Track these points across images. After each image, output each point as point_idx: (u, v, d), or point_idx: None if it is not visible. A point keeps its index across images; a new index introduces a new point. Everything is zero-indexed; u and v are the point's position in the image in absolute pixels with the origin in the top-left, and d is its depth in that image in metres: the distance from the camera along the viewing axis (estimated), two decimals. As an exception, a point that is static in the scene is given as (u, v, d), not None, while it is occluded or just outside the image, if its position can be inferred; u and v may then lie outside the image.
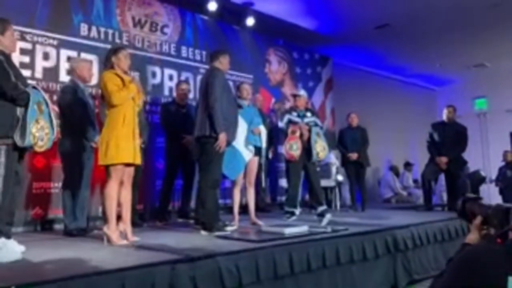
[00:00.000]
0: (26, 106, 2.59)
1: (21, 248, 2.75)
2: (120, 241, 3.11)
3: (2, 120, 2.59)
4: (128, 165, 3.22)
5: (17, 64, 3.31)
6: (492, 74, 9.98)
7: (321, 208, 4.73)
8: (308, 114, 5.01)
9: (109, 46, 5.03)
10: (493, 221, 1.28)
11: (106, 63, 3.31)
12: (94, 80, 4.85)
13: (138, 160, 3.27)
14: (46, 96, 2.80)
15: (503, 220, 1.24)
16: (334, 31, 7.38)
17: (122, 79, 3.19)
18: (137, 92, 3.29)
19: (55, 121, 2.79)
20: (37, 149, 2.68)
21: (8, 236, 2.74)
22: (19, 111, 2.61)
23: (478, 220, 1.36)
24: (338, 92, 8.45)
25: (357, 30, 7.24)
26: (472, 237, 1.37)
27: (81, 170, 3.80)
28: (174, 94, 5.24)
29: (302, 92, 5.12)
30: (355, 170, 6.00)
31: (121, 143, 3.10)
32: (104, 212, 3.83)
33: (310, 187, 4.90)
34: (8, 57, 2.72)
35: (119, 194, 3.24)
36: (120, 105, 3.13)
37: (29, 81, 3.30)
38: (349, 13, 6.67)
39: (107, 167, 3.17)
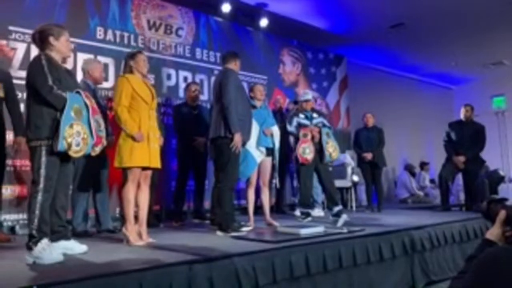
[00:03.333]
0: (62, 110, 2.62)
1: (83, 248, 2.82)
2: (137, 241, 3.16)
3: (41, 123, 2.63)
4: (145, 168, 3.26)
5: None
6: (510, 72, 9.80)
7: (336, 208, 4.72)
8: (315, 115, 5.01)
9: (125, 49, 5.12)
10: None
11: (125, 68, 3.36)
12: (110, 83, 4.93)
13: (155, 163, 3.29)
14: (90, 102, 2.80)
15: None
16: (349, 31, 7.34)
17: (133, 87, 3.20)
18: (151, 96, 3.32)
19: (97, 126, 2.76)
20: (72, 154, 2.67)
21: (66, 237, 2.82)
22: (59, 115, 2.63)
23: (502, 215, 1.34)
24: (352, 91, 8.40)
25: (371, 29, 7.19)
26: (495, 232, 1.35)
27: (95, 172, 3.85)
28: (185, 95, 5.28)
29: (310, 96, 5.12)
30: (370, 170, 5.96)
31: (136, 146, 3.14)
32: (121, 214, 3.92)
33: (323, 188, 4.90)
34: (54, 62, 2.74)
35: (137, 196, 3.28)
36: (134, 111, 3.18)
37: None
38: (363, 12, 6.63)
39: (123, 170, 3.22)
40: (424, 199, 8.41)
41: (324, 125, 4.97)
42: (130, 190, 3.20)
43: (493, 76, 10.18)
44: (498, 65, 9.49)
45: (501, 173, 7.22)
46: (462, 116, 5.87)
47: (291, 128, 4.90)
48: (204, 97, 5.82)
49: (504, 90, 10.29)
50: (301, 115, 4.95)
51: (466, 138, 5.66)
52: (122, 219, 3.92)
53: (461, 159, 5.57)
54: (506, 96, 10.34)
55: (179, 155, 4.98)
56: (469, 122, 5.82)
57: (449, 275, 3.94)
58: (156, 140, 3.32)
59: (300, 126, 4.85)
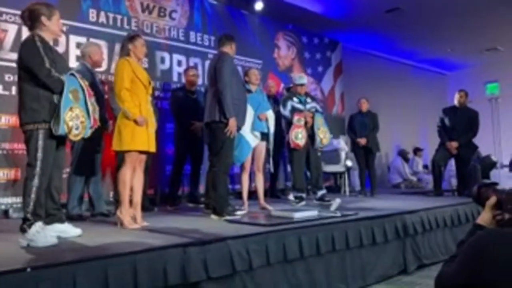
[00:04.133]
0: (60, 93, 2.60)
1: (77, 231, 2.82)
2: (132, 225, 3.17)
3: (38, 106, 2.60)
4: (142, 152, 3.26)
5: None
6: (504, 58, 9.82)
7: (320, 192, 4.82)
8: (309, 99, 5.01)
9: (118, 32, 5.06)
10: (507, 206, 1.28)
11: (122, 50, 3.34)
12: (103, 67, 4.88)
13: (153, 148, 3.31)
14: (84, 83, 2.78)
15: None
16: (344, 15, 7.28)
17: (134, 71, 3.19)
18: (149, 81, 3.30)
19: (93, 108, 2.76)
20: (72, 137, 2.66)
21: (61, 220, 2.83)
22: (56, 98, 2.61)
23: (492, 200, 1.35)
24: (347, 77, 8.38)
25: (367, 14, 7.14)
26: (485, 217, 1.36)
27: (92, 156, 3.84)
28: (183, 80, 5.25)
29: (305, 80, 5.11)
30: (364, 155, 5.98)
31: (137, 130, 3.13)
32: (115, 198, 3.92)
33: (311, 172, 4.94)
34: (47, 43, 2.70)
35: (132, 180, 3.29)
36: (134, 94, 3.17)
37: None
38: (359, -4, 6.58)
39: (121, 153, 3.22)
40: (416, 184, 8.48)
41: (317, 110, 4.99)
42: (127, 173, 3.20)
43: (487, 63, 10.20)
44: (492, 51, 9.49)
45: (493, 158, 7.28)
46: (456, 102, 5.89)
47: (285, 111, 4.89)
48: (199, 81, 5.78)
49: (498, 77, 10.34)
50: (295, 99, 4.94)
51: (460, 124, 5.69)
52: (116, 203, 3.93)
53: (454, 144, 5.61)
54: (500, 82, 10.40)
55: (176, 139, 4.99)
56: (462, 108, 5.83)
57: (440, 258, 4.00)
58: (152, 124, 3.33)
59: (294, 110, 4.85)
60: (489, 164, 6.35)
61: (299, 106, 4.89)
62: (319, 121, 4.91)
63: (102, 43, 4.93)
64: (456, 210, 4.37)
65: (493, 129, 10.11)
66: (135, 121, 3.12)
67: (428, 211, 4.07)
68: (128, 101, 3.12)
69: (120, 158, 3.35)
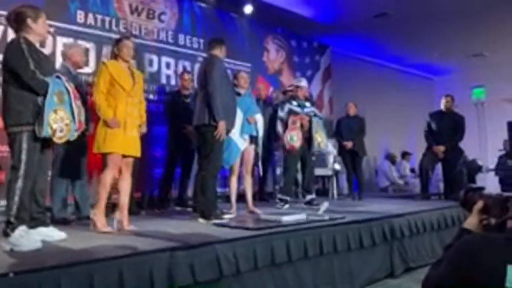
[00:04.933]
0: (45, 95, 2.57)
1: (62, 235, 2.78)
2: (105, 227, 3.11)
3: (23, 108, 2.57)
4: (125, 155, 3.23)
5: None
6: (490, 63, 9.96)
7: (309, 197, 4.84)
8: (307, 104, 5.03)
9: (106, 34, 5.02)
10: (494, 210, 1.29)
11: (111, 53, 3.38)
12: (91, 68, 4.83)
13: (134, 152, 3.26)
14: (70, 85, 2.75)
15: (502, 209, 1.25)
16: (333, 19, 7.33)
17: (112, 74, 3.17)
18: (132, 83, 3.27)
19: (78, 111, 2.74)
20: (56, 140, 2.64)
21: (45, 224, 2.79)
22: (40, 100, 2.59)
23: (479, 205, 1.36)
24: (336, 81, 8.43)
25: (355, 18, 7.19)
26: (471, 221, 1.37)
27: (75, 158, 3.79)
28: (173, 83, 5.25)
29: (304, 83, 5.12)
30: (351, 159, 6.01)
31: (109, 133, 3.11)
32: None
33: (303, 176, 4.95)
34: (32, 45, 2.68)
35: (119, 183, 3.28)
36: (111, 97, 3.16)
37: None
38: (348, 1, 6.62)
39: (103, 156, 3.19)
40: (404, 188, 8.54)
41: (315, 115, 5.01)
42: (107, 175, 3.15)
43: (474, 68, 10.33)
44: (478, 56, 9.62)
45: (479, 162, 7.36)
46: (442, 106, 5.96)
47: (282, 113, 4.90)
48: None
49: (484, 82, 10.48)
50: (294, 102, 4.95)
51: (446, 128, 5.76)
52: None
53: (441, 148, 5.67)
54: (486, 87, 10.55)
55: (169, 142, 4.97)
56: (449, 112, 5.90)
57: (427, 262, 4.03)
58: (134, 127, 3.26)
59: (291, 112, 4.85)
60: (475, 168, 6.41)
61: (297, 109, 4.90)
62: (317, 125, 4.92)
63: (90, 45, 4.89)
64: (442, 214, 4.41)
65: (479, 134, 10.24)
66: (107, 123, 3.09)
67: (415, 215, 4.10)
68: (101, 103, 3.12)
69: (104, 160, 3.31)
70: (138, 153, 3.32)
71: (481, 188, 1.43)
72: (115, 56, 3.31)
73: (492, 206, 1.30)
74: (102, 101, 3.14)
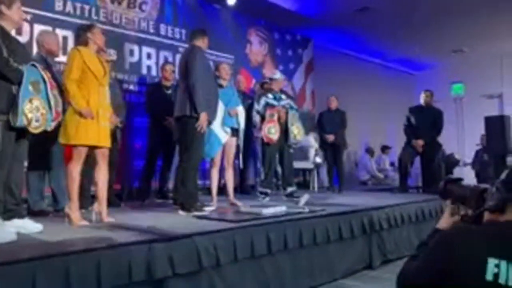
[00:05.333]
0: (20, 84, 2.49)
1: (38, 227, 2.72)
2: (80, 221, 3.05)
3: None
4: (95, 147, 3.14)
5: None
6: (469, 59, 10.14)
7: (290, 189, 4.87)
8: (283, 96, 5.04)
9: (85, 22, 4.89)
10: (471, 202, 1.30)
11: (79, 40, 3.17)
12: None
13: (104, 142, 3.16)
14: (46, 75, 2.68)
15: (479, 201, 1.26)
16: (316, 13, 7.33)
17: (84, 61, 3.05)
18: (103, 72, 3.18)
19: (55, 101, 2.67)
20: (32, 130, 2.56)
21: (20, 216, 2.73)
22: (15, 89, 2.51)
23: (449, 208, 1.38)
24: (318, 74, 8.45)
25: (338, 12, 7.21)
26: (445, 222, 1.38)
27: (49, 149, 3.70)
28: (159, 75, 5.18)
29: (278, 76, 5.12)
30: (332, 152, 6.06)
31: (82, 123, 2.99)
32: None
33: (283, 168, 4.97)
34: (6, 33, 2.59)
35: (96, 175, 3.22)
36: (84, 86, 3.04)
37: None
38: (331, -6, 6.64)
39: (69, 147, 3.10)
40: (383, 181, 8.66)
41: (291, 107, 5.01)
42: (74, 169, 3.05)
43: (453, 64, 10.50)
44: (458, 52, 9.78)
45: (457, 156, 7.53)
46: (422, 101, 6.04)
47: (258, 107, 4.89)
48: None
49: (463, 78, 10.66)
50: (270, 95, 4.95)
51: (425, 123, 5.84)
52: (81, 197, 3.83)
53: (420, 142, 5.75)
54: (465, 83, 10.73)
55: (150, 134, 4.92)
56: (428, 107, 5.99)
57: (405, 254, 4.10)
58: (106, 118, 3.18)
59: (267, 105, 4.85)
60: (452, 162, 6.56)
61: (273, 102, 4.90)
62: (293, 117, 4.93)
63: (69, 34, 4.78)
64: (420, 207, 4.48)
65: (457, 128, 10.43)
66: (80, 114, 2.98)
67: (393, 208, 4.16)
68: (75, 93, 2.97)
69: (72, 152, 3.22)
70: (109, 144, 3.24)
71: (460, 179, 1.45)
72: (86, 42, 3.15)
73: (469, 197, 1.32)
74: (75, 90, 2.99)
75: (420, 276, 1.18)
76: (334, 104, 6.18)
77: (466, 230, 1.18)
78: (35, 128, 2.57)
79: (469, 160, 9.10)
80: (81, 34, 3.17)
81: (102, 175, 3.23)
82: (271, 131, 4.74)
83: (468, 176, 8.68)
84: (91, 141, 3.06)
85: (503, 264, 1.04)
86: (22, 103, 2.47)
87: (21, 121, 2.48)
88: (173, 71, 4.99)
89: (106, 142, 3.19)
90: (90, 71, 3.06)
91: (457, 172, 7.73)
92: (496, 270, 1.03)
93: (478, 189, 1.30)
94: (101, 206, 3.23)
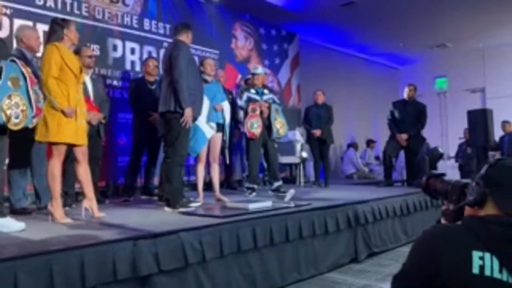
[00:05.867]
0: None
1: (21, 225, 2.68)
2: (63, 218, 3.02)
3: None
4: (70, 145, 3.10)
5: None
6: (452, 54, 10.28)
7: (276, 184, 4.88)
8: (266, 91, 5.03)
9: (67, 17, 4.80)
10: (452, 196, 1.31)
11: (53, 35, 3.08)
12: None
13: (81, 141, 3.13)
14: (26, 71, 2.62)
15: (460, 196, 1.27)
16: (301, 7, 7.33)
17: (62, 57, 2.99)
18: (80, 69, 3.14)
19: (35, 97, 2.61)
20: (11, 127, 2.51)
21: (1, 214, 2.68)
22: None
23: None
24: (304, 69, 8.47)
25: (323, 7, 7.22)
26: None
27: (30, 146, 3.63)
28: (142, 70, 5.12)
29: (260, 70, 5.10)
30: (318, 147, 6.08)
31: (63, 121, 2.96)
32: (64, 190, 3.75)
33: (268, 163, 4.98)
34: None
35: (78, 173, 3.20)
36: (62, 83, 2.98)
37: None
38: (316, -11, 6.64)
39: (49, 145, 3.07)
40: (368, 175, 8.74)
41: (274, 102, 5.01)
42: (55, 167, 3.03)
43: (437, 58, 10.63)
44: (441, 47, 9.90)
45: (440, 150, 7.60)
46: (405, 95, 6.09)
47: (241, 102, 4.88)
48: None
49: (446, 72, 10.81)
50: (252, 90, 4.94)
51: (409, 117, 5.90)
52: (65, 195, 3.79)
53: (404, 136, 5.81)
54: (448, 77, 10.88)
55: (134, 130, 4.86)
56: (412, 101, 6.05)
57: (389, 247, 4.16)
58: (83, 115, 3.16)
59: (250, 100, 4.84)
60: (436, 156, 6.61)
61: (255, 96, 4.89)
62: (276, 112, 4.93)
63: (50, 28, 4.69)
64: (405, 200, 4.54)
65: (440, 122, 10.59)
66: (63, 112, 2.94)
67: (378, 201, 4.20)
68: (55, 91, 2.93)
69: (69, 149, 3.19)
70: (85, 142, 3.20)
71: (442, 174, 1.46)
72: (61, 37, 3.07)
73: (450, 192, 1.33)
74: (56, 88, 2.94)
75: (408, 281, 1.18)
76: (321, 99, 6.19)
77: (446, 229, 1.19)
78: (15, 124, 2.52)
79: (453, 153, 9.23)
80: (57, 30, 3.09)
81: (83, 172, 3.20)
82: (253, 126, 4.74)
83: (451, 169, 8.82)
84: (72, 139, 3.04)
85: (487, 256, 1.05)
86: (0, 100, 2.42)
87: (0, 118, 2.43)
88: (156, 66, 4.94)
89: (83, 140, 3.17)
90: (68, 68, 3.01)
91: (441, 166, 7.83)
92: (481, 262, 1.05)
93: (459, 184, 1.31)
94: (91, 201, 3.22)
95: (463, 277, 1.05)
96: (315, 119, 6.10)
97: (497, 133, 7.55)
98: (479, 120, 6.46)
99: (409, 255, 1.19)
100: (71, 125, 3.01)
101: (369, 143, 9.70)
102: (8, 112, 2.46)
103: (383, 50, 10.22)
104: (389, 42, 9.46)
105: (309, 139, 6.20)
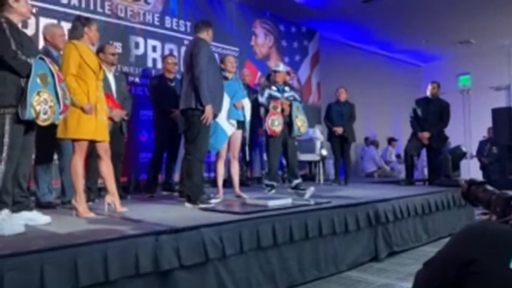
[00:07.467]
0: (28, 77, 2.51)
1: (47, 219, 2.75)
2: (87, 213, 3.08)
3: (5, 90, 2.52)
4: (94, 141, 3.16)
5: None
6: (476, 51, 10.04)
7: (296, 181, 4.87)
8: (287, 88, 5.02)
9: (91, 15, 4.88)
10: (496, 208, 1.25)
11: (74, 32, 3.14)
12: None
13: (102, 136, 3.18)
14: (54, 68, 2.69)
15: (505, 208, 1.22)
16: (321, 4, 7.28)
17: (81, 55, 3.04)
18: (99, 66, 3.18)
19: (62, 94, 2.68)
20: (40, 122, 2.58)
21: (28, 208, 2.76)
22: (23, 82, 2.53)
23: None
24: (324, 66, 8.41)
25: (344, 3, 7.16)
26: None
27: (52, 143, 3.71)
28: (161, 67, 5.17)
29: (282, 68, 5.09)
30: (340, 144, 6.02)
31: (83, 118, 3.01)
32: (87, 185, 3.84)
33: (287, 161, 4.97)
34: (14, 26, 2.61)
35: (100, 169, 3.26)
36: (82, 80, 3.04)
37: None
38: (337, -14, 6.59)
39: (72, 141, 3.13)
40: (389, 173, 8.64)
41: (295, 99, 4.99)
42: (77, 163, 3.08)
43: (460, 55, 10.41)
44: (465, 44, 9.68)
45: (463, 149, 7.47)
46: (428, 93, 5.99)
47: (262, 99, 4.88)
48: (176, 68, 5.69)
49: (470, 69, 10.58)
50: (273, 88, 4.93)
51: (432, 115, 5.80)
52: (89, 190, 3.86)
53: (426, 135, 5.72)
54: (472, 75, 10.65)
55: (155, 127, 4.92)
56: (435, 99, 5.94)
57: (410, 246, 4.11)
58: (103, 112, 3.20)
59: (271, 98, 4.84)
60: (459, 155, 6.49)
61: (276, 94, 4.89)
62: (297, 109, 4.92)
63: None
64: (426, 199, 4.47)
65: (464, 120, 10.37)
66: (82, 109, 2.99)
67: (399, 200, 4.15)
68: (74, 88, 2.97)
69: (92, 146, 3.26)
70: (107, 138, 3.26)
71: (484, 183, 1.38)
72: (81, 35, 3.13)
73: (494, 203, 1.27)
74: (75, 85, 2.99)
75: (441, 268, 1.15)
76: (343, 96, 6.12)
77: (491, 225, 1.17)
78: (44, 120, 2.58)
79: (475, 152, 9.04)
80: (78, 27, 3.15)
81: (106, 168, 3.27)
82: (274, 123, 4.73)
83: (475, 168, 8.65)
84: (92, 135, 3.09)
85: None
86: (30, 96, 2.49)
87: (29, 114, 2.50)
88: (175, 63, 4.98)
89: (104, 136, 3.22)
90: (88, 66, 3.06)
91: (463, 165, 7.69)
92: None
93: (505, 196, 1.25)
94: (114, 197, 3.28)
95: (499, 268, 1.03)
96: (336, 117, 6.04)
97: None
98: (504, 118, 6.33)
99: (448, 242, 1.17)
100: (91, 122, 3.06)
101: (391, 141, 9.59)
102: (38, 108, 2.52)
103: (406, 47, 10.07)
104: (412, 39, 9.31)
105: (330, 136, 6.14)
